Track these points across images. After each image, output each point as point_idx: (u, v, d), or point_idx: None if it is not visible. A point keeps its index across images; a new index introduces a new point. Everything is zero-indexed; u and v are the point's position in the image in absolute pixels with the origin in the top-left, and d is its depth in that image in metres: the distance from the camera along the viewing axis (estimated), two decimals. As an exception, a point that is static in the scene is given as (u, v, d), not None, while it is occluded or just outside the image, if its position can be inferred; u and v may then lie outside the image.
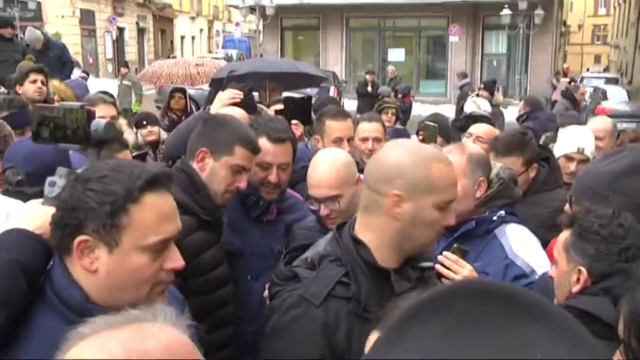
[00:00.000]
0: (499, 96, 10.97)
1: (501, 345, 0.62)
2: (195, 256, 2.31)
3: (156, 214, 1.41)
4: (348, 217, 1.91)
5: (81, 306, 1.37)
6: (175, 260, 1.48)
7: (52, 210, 1.50)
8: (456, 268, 2.26)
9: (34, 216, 1.61)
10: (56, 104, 1.78)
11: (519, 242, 2.51)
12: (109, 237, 1.37)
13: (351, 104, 17.09)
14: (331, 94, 16.89)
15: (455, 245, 2.35)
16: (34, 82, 4.97)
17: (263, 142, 2.59)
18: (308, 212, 2.61)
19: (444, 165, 1.77)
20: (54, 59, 9.62)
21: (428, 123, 3.76)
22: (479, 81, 25.47)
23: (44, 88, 5.03)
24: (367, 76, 16.37)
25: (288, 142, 2.72)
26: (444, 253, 2.32)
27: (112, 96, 4.63)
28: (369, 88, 15.77)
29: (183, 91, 8.45)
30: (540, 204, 3.20)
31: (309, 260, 1.85)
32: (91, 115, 1.77)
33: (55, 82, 5.74)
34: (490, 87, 10.73)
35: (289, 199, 2.86)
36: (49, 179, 1.63)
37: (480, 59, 26.23)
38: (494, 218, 2.55)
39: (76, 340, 0.85)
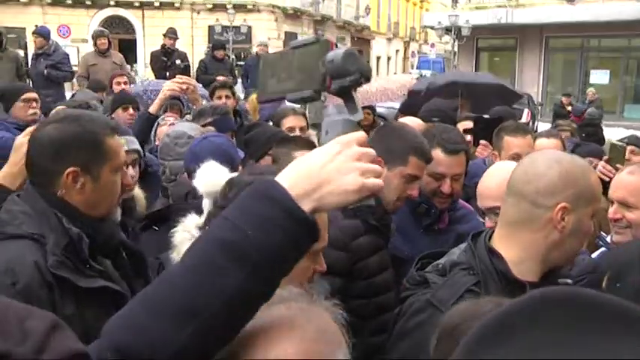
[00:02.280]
0: None
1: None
2: (361, 259, 2.39)
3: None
4: None
5: None
6: (322, 266, 1.50)
7: (333, 160, 1.03)
8: None
9: (300, 164, 1.05)
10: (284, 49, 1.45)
11: None
12: None
13: (545, 128, 16.29)
14: (524, 117, 16.23)
15: None
16: (220, 97, 5.48)
17: (437, 153, 2.62)
18: (481, 224, 2.60)
19: (595, 173, 1.76)
20: None
21: (615, 142, 3.54)
22: (697, 106, 22.93)
23: (228, 102, 5.54)
24: (563, 99, 15.56)
25: (462, 153, 2.73)
26: None
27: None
28: (565, 111, 14.93)
29: (371, 108, 8.70)
30: None
31: (441, 267, 1.85)
32: (329, 48, 1.28)
33: (253, 96, 6.37)
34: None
35: (461, 210, 2.86)
36: (324, 125, 1.24)
37: (700, 82, 23.58)
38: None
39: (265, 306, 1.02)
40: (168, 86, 4.21)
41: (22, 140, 2.16)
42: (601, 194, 1.71)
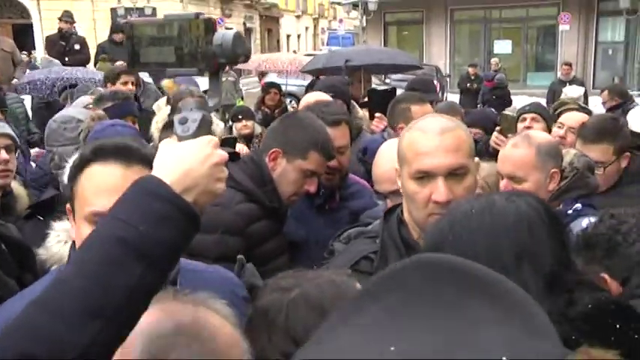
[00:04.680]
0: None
1: (446, 326, 0.60)
2: (259, 244, 2.32)
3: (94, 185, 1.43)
4: None
5: None
6: None
7: (197, 153, 1.11)
8: None
9: (177, 160, 1.10)
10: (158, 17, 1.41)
11: (598, 237, 2.35)
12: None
13: (454, 99, 16.75)
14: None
15: None
16: (125, 83, 5.26)
17: None
18: (373, 198, 2.58)
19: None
20: None
21: (506, 113, 3.64)
22: (592, 71, 24.10)
23: (133, 89, 5.32)
24: (470, 69, 15.98)
25: (344, 124, 2.69)
26: None
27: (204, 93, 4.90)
28: (470, 82, 15.45)
29: (278, 87, 8.63)
30: (633, 197, 2.98)
31: (346, 235, 1.89)
32: (211, 26, 1.26)
33: (165, 81, 6.22)
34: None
35: (353, 186, 2.81)
36: (178, 117, 1.20)
37: (593, 48, 24.81)
38: (569, 212, 2.40)
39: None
40: None
41: None
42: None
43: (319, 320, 0.89)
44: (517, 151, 2.45)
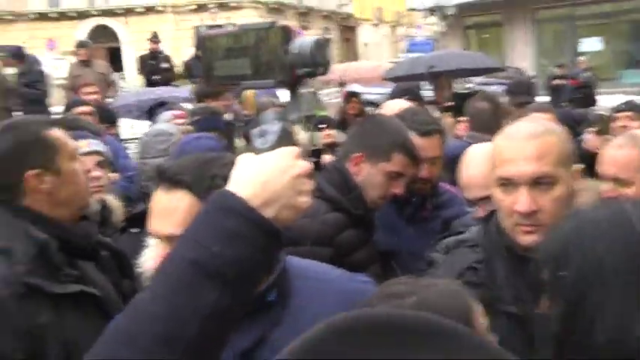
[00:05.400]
0: None
1: None
2: (348, 253, 2.29)
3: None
4: None
5: None
6: None
7: (274, 166, 1.03)
8: None
9: (254, 173, 1.02)
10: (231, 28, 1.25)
11: None
12: None
13: (541, 100, 16.23)
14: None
15: None
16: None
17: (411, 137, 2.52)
18: (464, 206, 2.51)
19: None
20: None
21: (602, 114, 3.48)
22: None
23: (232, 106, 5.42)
24: (557, 70, 15.46)
25: (437, 135, 2.62)
26: None
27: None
28: (559, 82, 14.91)
29: (359, 96, 8.63)
30: None
31: (445, 245, 1.83)
32: (288, 34, 1.19)
33: (248, 93, 6.33)
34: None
35: (444, 194, 2.74)
36: (257, 130, 1.16)
37: (697, 38, 23.29)
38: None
39: None
40: None
41: None
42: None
43: None
44: (621, 152, 2.31)
